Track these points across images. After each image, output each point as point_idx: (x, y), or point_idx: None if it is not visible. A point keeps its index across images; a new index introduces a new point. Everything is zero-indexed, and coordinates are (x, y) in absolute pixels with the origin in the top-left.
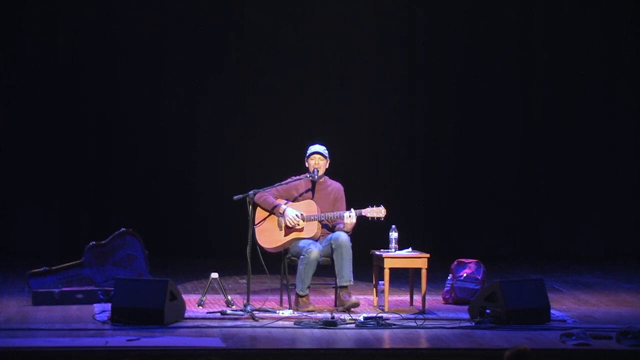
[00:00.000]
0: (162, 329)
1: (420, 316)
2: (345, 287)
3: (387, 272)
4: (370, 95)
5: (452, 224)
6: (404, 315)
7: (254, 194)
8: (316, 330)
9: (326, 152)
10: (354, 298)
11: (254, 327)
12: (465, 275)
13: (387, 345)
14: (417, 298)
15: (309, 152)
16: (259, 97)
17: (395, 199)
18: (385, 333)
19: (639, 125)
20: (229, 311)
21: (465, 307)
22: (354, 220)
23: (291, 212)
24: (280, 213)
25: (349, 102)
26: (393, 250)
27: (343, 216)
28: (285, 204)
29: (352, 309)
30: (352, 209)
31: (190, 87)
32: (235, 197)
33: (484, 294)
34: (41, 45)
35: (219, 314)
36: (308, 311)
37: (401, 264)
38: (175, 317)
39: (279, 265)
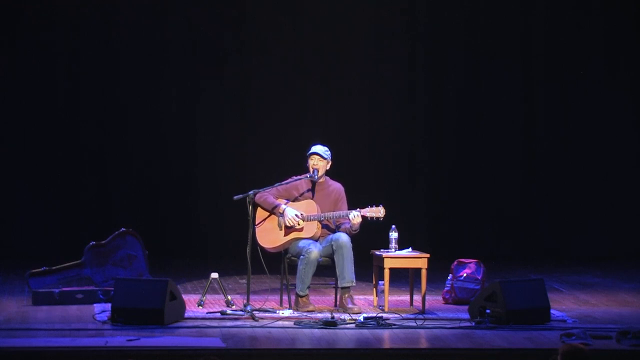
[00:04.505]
0: (162, 329)
1: (420, 316)
2: (348, 288)
3: (387, 272)
4: (370, 94)
5: (452, 224)
6: (404, 315)
7: (254, 194)
8: (316, 330)
9: (327, 153)
10: (356, 307)
11: (254, 327)
12: (465, 275)
13: (387, 345)
14: (417, 298)
15: (308, 152)
16: (258, 97)
17: (395, 199)
18: (385, 333)
19: None
20: (229, 311)
21: (465, 307)
22: (360, 219)
23: (291, 212)
24: (280, 213)
25: (349, 101)
26: (393, 250)
27: (344, 215)
28: (285, 203)
29: None
30: (354, 210)
31: (190, 87)
32: (235, 197)
33: (484, 294)
34: (41, 47)
35: (219, 314)
36: (308, 311)
37: (401, 264)
38: (175, 317)
39: (279, 265)
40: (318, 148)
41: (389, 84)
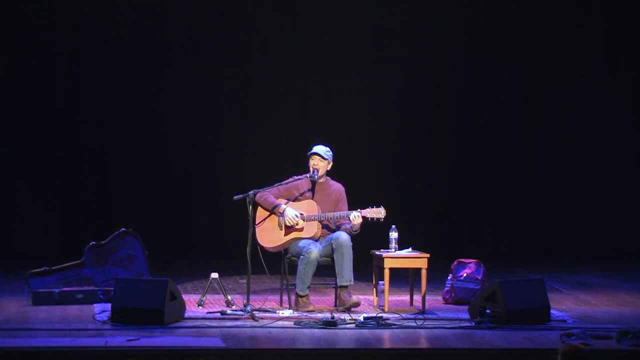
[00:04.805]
0: (162, 329)
1: (420, 316)
2: (346, 287)
3: (387, 272)
4: (370, 94)
5: (452, 224)
6: (404, 315)
7: (254, 194)
8: (316, 330)
9: (328, 153)
10: (354, 297)
11: (254, 327)
12: (465, 275)
13: (387, 345)
14: (417, 298)
15: (310, 152)
16: (258, 97)
17: (395, 199)
18: (385, 333)
19: None
20: (229, 311)
21: (465, 307)
22: (360, 219)
23: (291, 212)
24: (280, 213)
25: (349, 101)
26: (393, 250)
27: (344, 216)
28: (285, 203)
29: (353, 309)
30: (354, 211)
31: (190, 87)
32: (235, 197)
33: (484, 294)
34: (41, 47)
35: (219, 314)
36: (308, 311)
37: (401, 264)
38: (175, 317)
39: (279, 265)
40: (319, 148)
41: (389, 84)
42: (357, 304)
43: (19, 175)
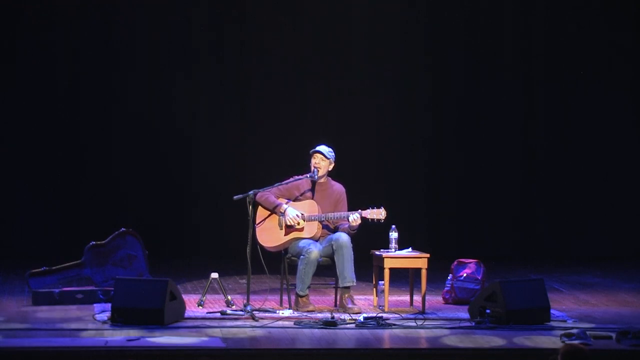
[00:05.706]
0: (162, 329)
1: (420, 316)
2: (348, 288)
3: (387, 272)
4: (370, 94)
5: (452, 224)
6: (404, 315)
7: (254, 194)
8: (316, 330)
9: (331, 154)
10: (356, 307)
11: (254, 327)
12: (465, 275)
13: (387, 345)
14: (417, 298)
15: (312, 150)
16: (258, 97)
17: (396, 199)
18: (385, 333)
19: None
20: (229, 311)
21: (465, 307)
22: (359, 221)
23: (292, 211)
24: (281, 212)
25: (349, 101)
26: (393, 250)
27: (345, 217)
28: (286, 203)
29: None
30: (354, 212)
31: (190, 87)
32: (235, 197)
33: (484, 294)
34: (41, 47)
35: (219, 314)
36: (308, 311)
37: (401, 264)
38: (175, 317)
39: (279, 265)
40: (322, 147)
41: (389, 84)
42: (358, 313)
43: (19, 175)
